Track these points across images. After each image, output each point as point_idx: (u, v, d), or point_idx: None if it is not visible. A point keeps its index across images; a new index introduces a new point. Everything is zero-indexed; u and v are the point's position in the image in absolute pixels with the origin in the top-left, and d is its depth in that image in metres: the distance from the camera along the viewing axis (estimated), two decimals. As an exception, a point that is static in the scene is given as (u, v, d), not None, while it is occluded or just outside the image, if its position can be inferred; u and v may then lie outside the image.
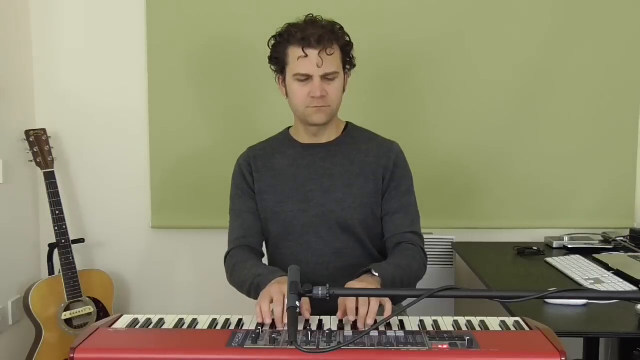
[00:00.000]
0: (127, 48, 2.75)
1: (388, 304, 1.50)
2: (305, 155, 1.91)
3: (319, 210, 1.85)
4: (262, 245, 1.95)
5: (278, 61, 1.83)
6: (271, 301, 1.48)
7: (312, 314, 1.51)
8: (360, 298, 1.47)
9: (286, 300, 1.27)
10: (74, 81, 2.77)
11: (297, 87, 1.80)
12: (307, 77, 1.78)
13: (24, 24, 2.71)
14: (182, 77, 2.74)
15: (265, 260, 1.95)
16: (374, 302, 1.47)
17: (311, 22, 1.79)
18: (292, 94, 1.82)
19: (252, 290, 1.71)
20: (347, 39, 1.84)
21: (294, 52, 1.78)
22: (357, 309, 1.46)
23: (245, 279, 1.75)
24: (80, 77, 2.77)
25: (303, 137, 1.92)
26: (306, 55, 1.75)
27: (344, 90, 1.86)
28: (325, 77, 1.78)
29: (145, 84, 2.74)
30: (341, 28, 1.83)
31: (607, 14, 2.70)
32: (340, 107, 1.88)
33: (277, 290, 1.51)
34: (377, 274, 1.64)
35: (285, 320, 1.43)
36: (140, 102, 2.76)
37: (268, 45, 1.85)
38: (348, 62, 1.86)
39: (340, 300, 1.50)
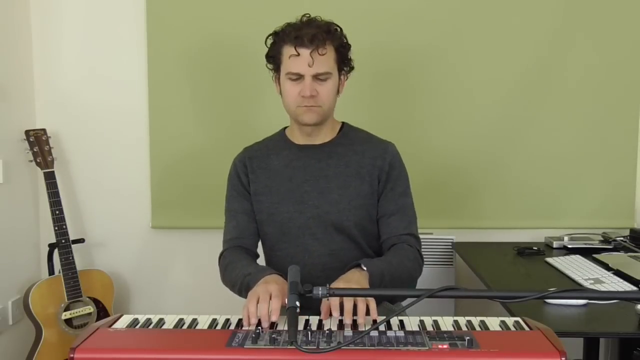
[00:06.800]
0: (127, 48, 2.75)
1: (372, 303, 1.48)
2: (300, 156, 1.90)
3: (315, 212, 1.85)
4: (256, 246, 1.95)
5: (273, 59, 1.84)
6: (258, 301, 1.48)
7: (311, 314, 1.51)
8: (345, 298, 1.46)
9: (285, 299, 1.27)
10: (74, 81, 2.77)
11: (289, 86, 1.80)
12: (299, 77, 1.77)
13: (24, 24, 2.70)
14: (183, 78, 2.74)
15: (261, 261, 1.94)
16: (361, 303, 1.46)
17: (308, 21, 1.80)
18: (285, 92, 1.83)
19: (243, 289, 1.71)
20: (344, 40, 1.83)
21: (287, 51, 1.78)
22: (341, 304, 1.46)
23: (236, 278, 1.75)
24: (80, 77, 2.77)
25: (298, 137, 1.92)
26: (298, 54, 1.75)
27: (338, 93, 1.86)
28: (317, 77, 1.77)
29: (146, 85, 2.74)
30: (338, 29, 1.83)
31: (607, 14, 2.69)
32: (334, 109, 1.88)
33: (264, 289, 1.52)
34: (365, 268, 1.64)
35: (272, 319, 1.43)
36: (140, 102, 2.75)
37: (265, 43, 1.85)
38: (344, 63, 1.85)
39: (323, 301, 1.48)
